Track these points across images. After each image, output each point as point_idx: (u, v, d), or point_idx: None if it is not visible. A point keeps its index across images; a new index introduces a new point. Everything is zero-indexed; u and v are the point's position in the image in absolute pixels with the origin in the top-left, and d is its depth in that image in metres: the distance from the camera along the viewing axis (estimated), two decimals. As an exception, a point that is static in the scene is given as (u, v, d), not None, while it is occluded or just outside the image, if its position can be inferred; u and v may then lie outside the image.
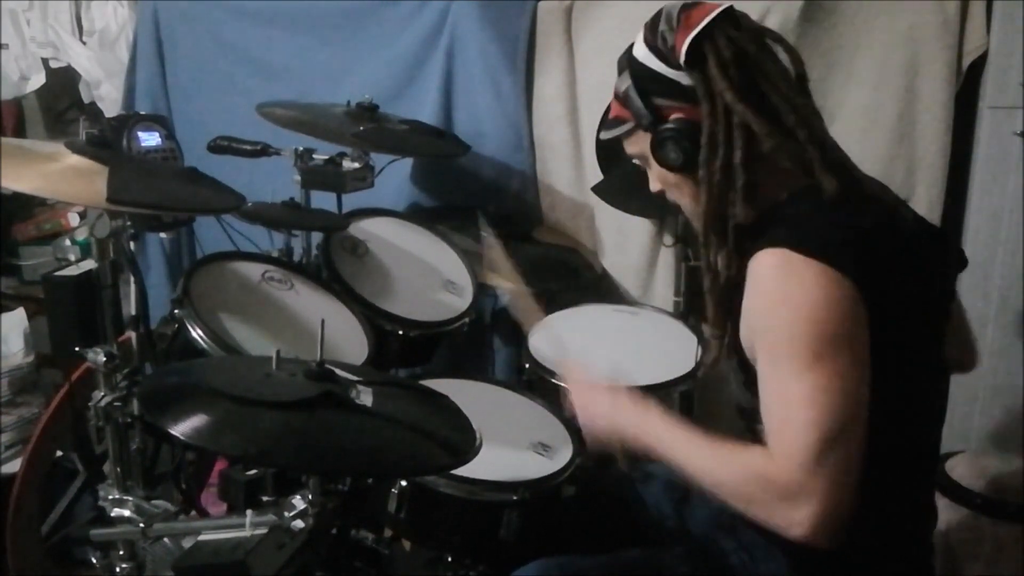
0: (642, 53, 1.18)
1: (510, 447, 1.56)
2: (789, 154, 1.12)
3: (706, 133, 1.13)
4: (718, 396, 2.00)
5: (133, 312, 1.45)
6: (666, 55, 1.15)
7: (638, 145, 1.24)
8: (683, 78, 1.14)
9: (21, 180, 1.24)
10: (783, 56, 1.19)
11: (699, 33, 1.12)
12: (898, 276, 1.10)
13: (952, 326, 1.24)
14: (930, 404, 1.22)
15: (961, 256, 1.32)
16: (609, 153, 2.16)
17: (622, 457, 1.26)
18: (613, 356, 1.83)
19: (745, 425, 1.23)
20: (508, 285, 1.72)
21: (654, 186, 1.27)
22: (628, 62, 1.20)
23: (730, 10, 1.15)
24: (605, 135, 1.30)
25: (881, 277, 1.06)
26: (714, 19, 1.13)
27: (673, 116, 1.17)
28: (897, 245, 1.13)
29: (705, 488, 1.10)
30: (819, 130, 1.17)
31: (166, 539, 1.38)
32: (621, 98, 1.22)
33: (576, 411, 1.32)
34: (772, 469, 1.01)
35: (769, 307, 1.06)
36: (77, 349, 1.36)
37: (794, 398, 1.01)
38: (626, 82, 1.20)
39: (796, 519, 1.00)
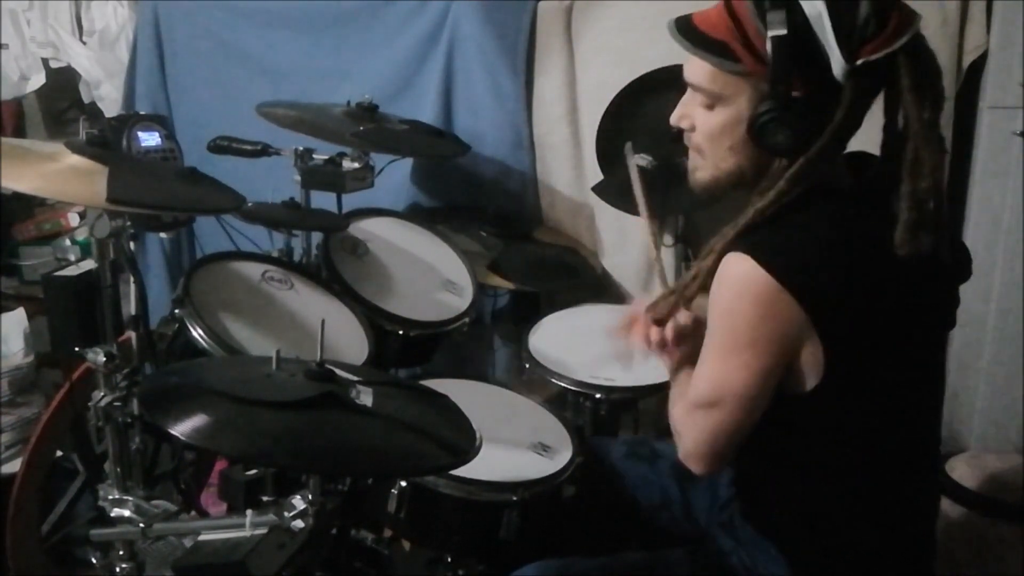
0: (820, 13, 1.01)
1: (510, 447, 1.56)
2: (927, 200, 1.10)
3: (829, 136, 1.06)
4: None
5: (133, 312, 1.45)
6: (852, 39, 1.01)
7: (728, 87, 1.09)
8: (841, 68, 1.02)
9: (21, 180, 1.24)
10: None
11: (909, 35, 1.03)
12: (896, 291, 1.10)
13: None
14: (928, 407, 1.22)
15: (967, 265, 1.29)
16: (609, 153, 2.16)
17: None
18: (613, 356, 1.84)
19: None
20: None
21: (684, 121, 1.17)
22: (792, 7, 1.02)
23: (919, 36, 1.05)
24: (693, 50, 1.10)
25: (865, 297, 1.07)
26: (914, 32, 1.03)
27: (801, 92, 1.05)
28: (888, 262, 1.09)
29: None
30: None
31: (171, 537, 1.39)
32: (750, 35, 1.05)
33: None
34: (675, 408, 1.24)
35: (720, 300, 1.11)
36: (77, 349, 1.35)
37: (702, 369, 1.16)
38: (780, 28, 1.01)
39: (680, 448, 1.21)
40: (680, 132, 1.18)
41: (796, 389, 1.11)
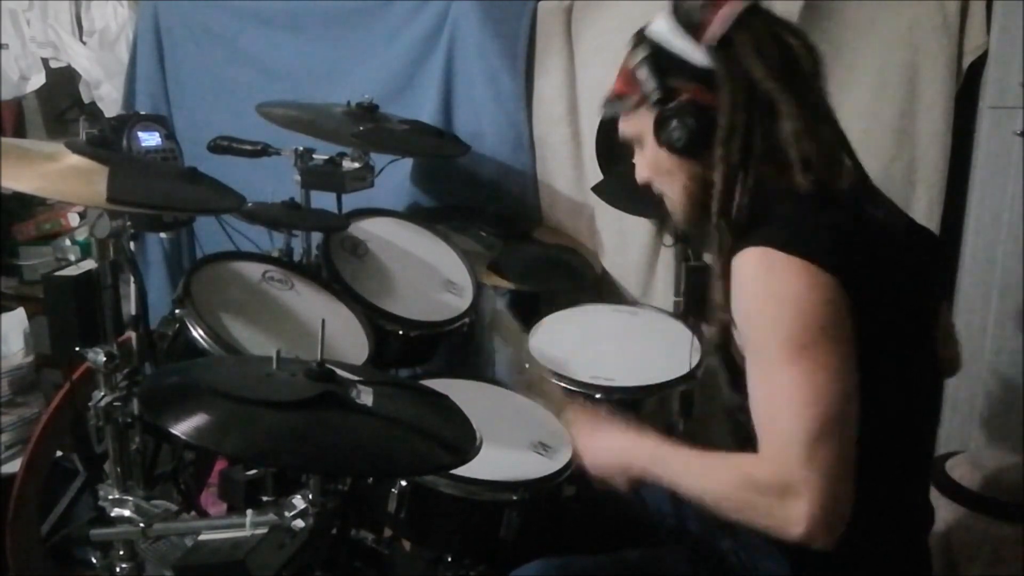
0: (664, 28, 1.16)
1: (510, 447, 1.56)
2: (810, 140, 1.11)
3: (726, 114, 1.11)
4: (718, 396, 2.00)
5: (133, 312, 1.45)
6: (693, 32, 1.14)
7: (637, 125, 1.22)
8: (704, 59, 1.13)
9: (21, 180, 1.24)
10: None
11: (738, 14, 1.12)
12: (885, 274, 1.10)
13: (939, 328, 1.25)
14: (924, 403, 1.22)
15: (942, 252, 1.31)
16: (609, 153, 2.16)
17: (624, 486, 1.26)
18: (613, 356, 1.85)
19: (732, 426, 1.24)
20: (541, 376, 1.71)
21: (642, 173, 1.25)
22: (643, 38, 1.19)
23: (757, 2, 1.15)
24: (606, 111, 1.27)
25: (866, 274, 1.06)
26: (750, 3, 1.13)
27: (683, 96, 1.15)
28: (886, 243, 1.13)
29: (705, 504, 1.10)
30: (836, 123, 1.18)
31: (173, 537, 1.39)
32: (630, 72, 1.20)
33: (579, 451, 1.34)
34: (761, 469, 1.01)
35: (753, 304, 1.06)
36: (77, 349, 1.35)
37: (780, 393, 1.01)
38: (639, 56, 1.18)
39: (792, 519, 0.99)
40: (650, 187, 1.26)
41: None
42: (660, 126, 1.17)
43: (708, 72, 1.13)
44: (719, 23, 1.12)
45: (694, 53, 1.14)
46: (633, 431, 1.24)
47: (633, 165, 1.29)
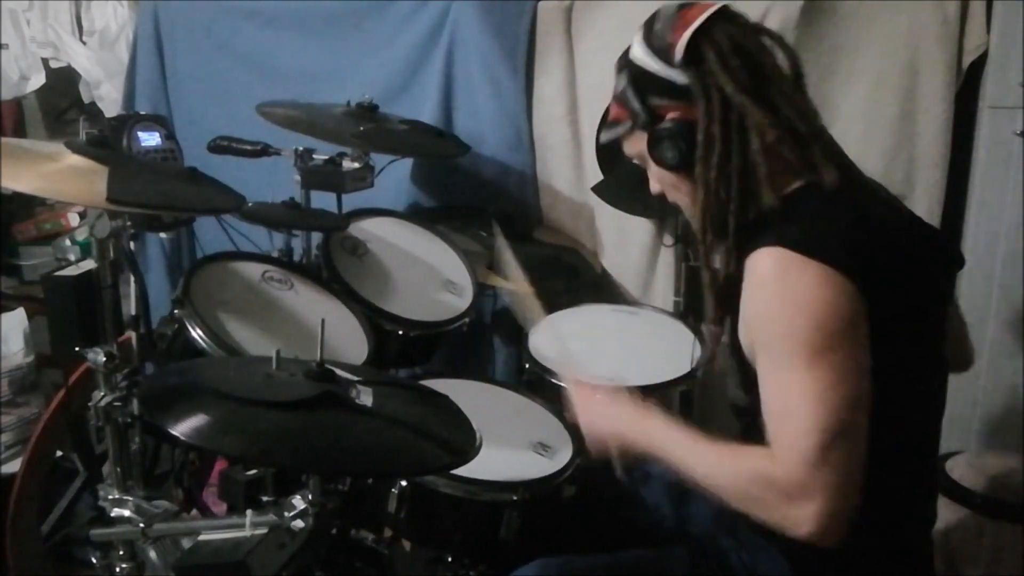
0: (639, 53, 1.19)
1: (510, 447, 1.56)
2: (790, 147, 1.13)
3: (702, 129, 1.14)
4: (718, 396, 2.00)
5: (133, 312, 1.45)
6: (663, 53, 1.16)
7: (636, 146, 1.24)
8: (679, 76, 1.15)
9: (21, 180, 1.24)
10: (780, 55, 1.20)
11: (697, 29, 1.13)
12: (895, 273, 1.10)
13: (949, 326, 1.24)
14: (930, 403, 1.22)
15: (958, 256, 1.32)
16: (609, 153, 2.16)
17: (619, 462, 1.25)
18: (613, 356, 1.84)
19: (740, 425, 1.24)
20: (511, 286, 1.72)
21: (654, 188, 1.28)
22: (626, 63, 1.22)
23: (726, 8, 1.16)
24: (605, 137, 1.31)
25: (878, 274, 1.06)
26: (711, 16, 1.14)
27: (669, 115, 1.18)
28: (894, 242, 1.14)
29: (707, 490, 1.10)
30: (819, 126, 1.18)
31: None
32: (619, 99, 1.23)
33: (577, 414, 1.32)
34: (775, 468, 1.01)
35: (768, 306, 1.06)
36: (77, 349, 1.35)
37: (795, 396, 1.01)
38: (623, 82, 1.21)
39: (801, 518, 0.99)
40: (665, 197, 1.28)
41: None
42: (653, 147, 1.20)
43: (687, 88, 1.14)
44: (681, 41, 1.13)
45: (671, 72, 1.15)
46: (639, 406, 1.23)
47: (634, 165, 1.30)
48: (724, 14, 1.16)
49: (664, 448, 1.15)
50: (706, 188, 1.15)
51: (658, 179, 1.25)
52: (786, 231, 1.07)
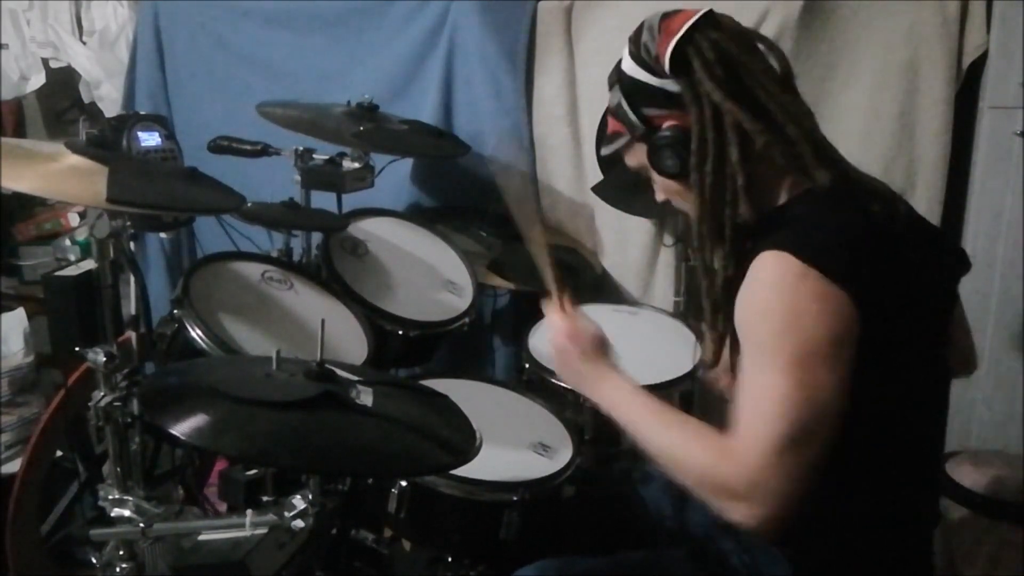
0: (629, 66, 1.19)
1: (510, 447, 1.56)
2: (781, 150, 1.13)
3: (696, 136, 1.14)
4: (718, 396, 2.00)
5: (133, 312, 1.45)
6: (651, 65, 1.16)
7: (637, 157, 1.25)
8: (670, 86, 1.16)
9: (21, 180, 1.24)
10: (771, 56, 1.20)
11: (680, 39, 1.13)
12: (899, 278, 1.10)
13: (953, 329, 1.24)
14: (932, 406, 1.22)
15: (964, 258, 1.32)
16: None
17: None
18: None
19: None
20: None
21: (659, 196, 1.29)
22: (618, 76, 1.22)
23: (711, 13, 1.16)
24: (605, 151, 1.32)
25: (880, 280, 1.07)
26: (694, 23, 1.14)
27: (665, 124, 1.18)
28: (898, 245, 1.13)
29: (660, 463, 1.12)
30: (809, 127, 1.17)
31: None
32: (614, 112, 1.24)
33: (552, 355, 1.32)
34: (725, 464, 1.03)
35: (762, 307, 1.07)
36: (77, 349, 1.35)
37: (766, 395, 1.03)
38: (617, 96, 1.22)
39: (738, 515, 1.03)
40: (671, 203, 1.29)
41: None
42: (652, 157, 1.21)
43: (679, 96, 1.15)
44: (667, 51, 1.13)
45: (662, 82, 1.16)
46: (610, 368, 1.25)
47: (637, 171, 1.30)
48: (709, 19, 1.15)
49: (625, 417, 1.18)
50: (701, 193, 1.16)
51: (662, 188, 1.26)
52: (793, 236, 1.07)
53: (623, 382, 1.22)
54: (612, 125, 1.26)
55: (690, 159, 1.15)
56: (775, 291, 1.06)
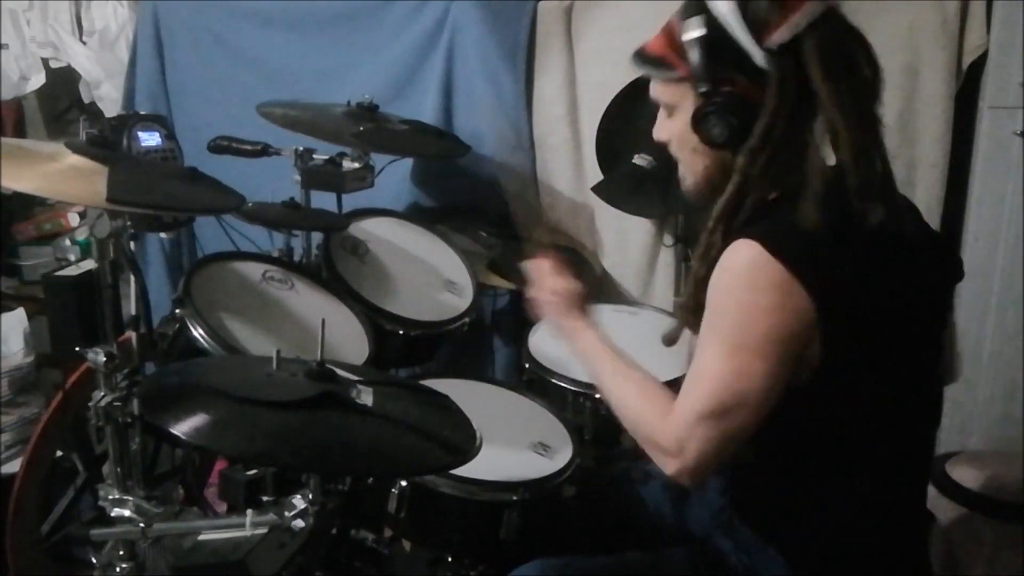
0: (728, 10, 1.08)
1: (510, 447, 1.56)
2: (855, 172, 1.09)
3: (766, 119, 1.08)
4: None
5: (133, 312, 1.44)
6: (757, 28, 1.07)
7: (675, 97, 1.17)
8: (762, 57, 1.08)
9: (21, 180, 1.23)
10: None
11: (810, 24, 1.07)
12: (884, 284, 1.10)
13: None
14: (924, 410, 1.22)
15: (960, 267, 1.30)
16: (609, 154, 2.16)
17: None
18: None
19: None
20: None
21: (661, 135, 1.23)
22: (704, 11, 1.10)
23: (833, 7, 1.10)
24: (642, 69, 1.20)
25: (854, 284, 1.07)
26: (823, 12, 1.08)
27: (727, 88, 1.11)
28: (890, 252, 1.11)
29: (616, 412, 1.25)
30: (882, 144, 1.15)
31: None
32: (679, 44, 1.12)
33: (535, 299, 1.41)
34: (666, 419, 1.15)
35: (726, 292, 1.10)
36: (77, 349, 1.35)
37: (704, 372, 1.11)
38: (697, 31, 1.10)
39: (664, 466, 1.16)
40: (665, 145, 1.25)
41: (790, 383, 1.11)
42: (701, 117, 1.13)
43: (762, 71, 1.08)
44: (788, 28, 1.06)
45: (753, 49, 1.08)
46: (583, 320, 1.35)
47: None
48: (831, 11, 1.09)
49: (590, 368, 1.31)
50: (743, 175, 1.12)
51: (678, 136, 1.19)
52: (767, 227, 1.08)
53: (593, 337, 1.32)
54: (664, 50, 1.16)
55: (738, 132, 1.10)
56: (736, 276, 1.08)
